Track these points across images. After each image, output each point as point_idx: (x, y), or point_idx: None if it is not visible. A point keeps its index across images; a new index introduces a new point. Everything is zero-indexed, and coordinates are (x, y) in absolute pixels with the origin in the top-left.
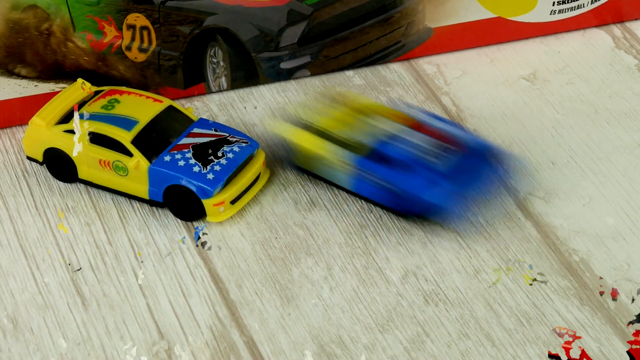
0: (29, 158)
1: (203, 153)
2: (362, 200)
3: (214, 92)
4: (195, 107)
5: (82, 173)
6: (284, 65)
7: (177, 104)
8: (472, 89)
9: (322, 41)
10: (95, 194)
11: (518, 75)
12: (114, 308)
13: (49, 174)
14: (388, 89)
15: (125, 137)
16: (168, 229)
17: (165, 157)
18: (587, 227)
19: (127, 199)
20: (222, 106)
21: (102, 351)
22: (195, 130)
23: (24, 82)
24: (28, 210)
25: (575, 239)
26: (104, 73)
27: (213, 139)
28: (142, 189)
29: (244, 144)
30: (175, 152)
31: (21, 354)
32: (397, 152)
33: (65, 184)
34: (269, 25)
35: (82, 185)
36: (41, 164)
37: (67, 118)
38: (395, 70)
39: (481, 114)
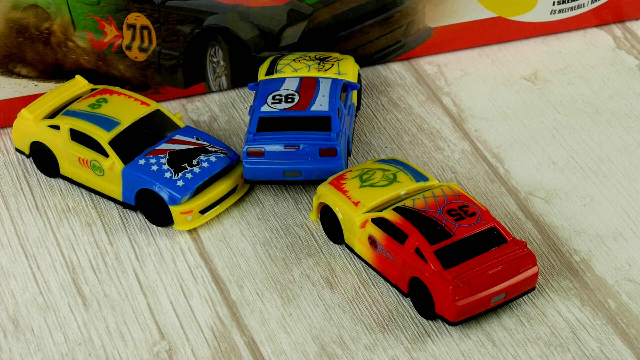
0: (17, 150)
1: (178, 160)
2: None
3: (214, 92)
4: (196, 107)
5: (64, 169)
6: None
7: (164, 108)
8: (473, 89)
9: (322, 41)
10: (96, 194)
11: (519, 75)
12: (115, 308)
13: None
14: (389, 89)
15: (103, 137)
16: (169, 229)
17: (140, 161)
18: (588, 227)
19: None
20: (222, 106)
21: (102, 351)
22: (177, 137)
23: (24, 81)
24: (29, 211)
25: (576, 239)
26: (104, 72)
27: (192, 147)
28: (116, 191)
29: (222, 155)
30: (151, 156)
31: (22, 354)
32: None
33: (66, 183)
34: (269, 24)
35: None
36: (27, 156)
37: (56, 113)
38: (396, 71)
39: (482, 114)
